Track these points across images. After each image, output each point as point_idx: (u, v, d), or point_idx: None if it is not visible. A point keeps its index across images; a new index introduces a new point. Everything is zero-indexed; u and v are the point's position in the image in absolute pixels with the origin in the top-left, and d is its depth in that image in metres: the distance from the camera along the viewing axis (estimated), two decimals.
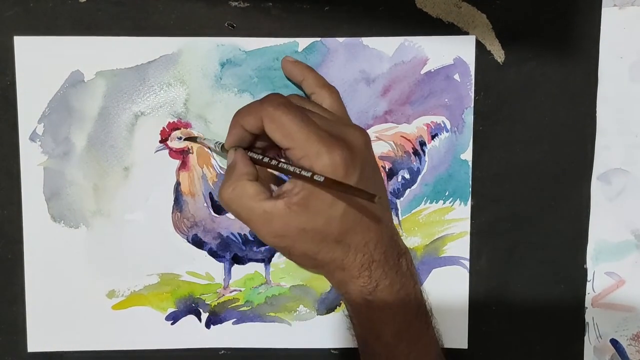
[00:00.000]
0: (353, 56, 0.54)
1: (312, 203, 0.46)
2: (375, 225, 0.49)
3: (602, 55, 0.55)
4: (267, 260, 0.56)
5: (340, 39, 0.54)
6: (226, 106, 0.54)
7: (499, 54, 0.55)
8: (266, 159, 0.48)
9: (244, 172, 0.48)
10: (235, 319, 0.56)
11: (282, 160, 0.48)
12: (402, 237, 0.56)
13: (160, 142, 0.54)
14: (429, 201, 0.56)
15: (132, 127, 0.54)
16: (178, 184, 0.55)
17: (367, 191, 0.42)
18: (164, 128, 0.54)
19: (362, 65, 0.54)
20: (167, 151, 0.54)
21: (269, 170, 0.51)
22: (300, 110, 0.47)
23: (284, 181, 0.53)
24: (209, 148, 0.54)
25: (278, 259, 0.56)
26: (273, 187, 0.53)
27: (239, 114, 0.49)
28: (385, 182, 0.56)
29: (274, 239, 0.48)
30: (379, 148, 0.55)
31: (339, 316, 0.57)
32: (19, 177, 0.54)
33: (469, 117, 0.55)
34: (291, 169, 0.46)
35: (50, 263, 0.55)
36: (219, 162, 0.55)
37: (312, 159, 0.45)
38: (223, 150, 0.51)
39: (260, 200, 0.47)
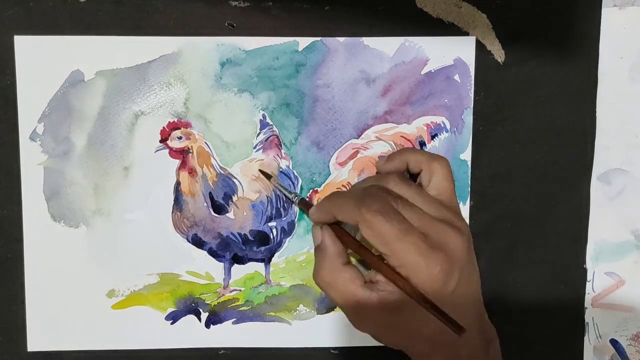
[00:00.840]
0: (353, 56, 0.54)
1: (407, 307, 0.45)
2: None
3: (602, 55, 0.55)
4: (267, 260, 0.56)
5: (341, 39, 0.54)
6: (226, 106, 0.54)
7: (499, 54, 0.55)
8: (358, 247, 0.47)
9: (336, 254, 0.47)
10: (235, 319, 0.56)
11: (377, 255, 0.46)
12: None
13: (161, 141, 0.54)
14: None
15: (132, 126, 0.54)
16: (178, 183, 0.55)
17: (457, 322, 0.42)
18: (164, 128, 0.54)
19: (363, 65, 0.54)
20: (167, 151, 0.54)
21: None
22: (399, 218, 0.44)
23: None
24: (285, 196, 0.55)
25: (278, 259, 0.56)
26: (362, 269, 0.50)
27: (332, 204, 0.47)
28: None
29: (362, 326, 0.47)
30: (379, 148, 0.55)
31: (339, 316, 0.57)
32: (19, 176, 0.54)
33: (468, 118, 0.55)
34: (388, 274, 0.45)
35: (50, 263, 0.55)
36: (219, 162, 0.55)
37: (409, 271, 0.44)
38: (300, 205, 0.52)
39: (356, 288, 0.46)
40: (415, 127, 0.55)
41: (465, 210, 0.56)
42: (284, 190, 0.54)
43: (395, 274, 0.44)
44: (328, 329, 0.57)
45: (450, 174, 0.49)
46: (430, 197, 0.47)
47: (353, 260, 0.49)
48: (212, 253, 0.55)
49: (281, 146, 0.55)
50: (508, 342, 0.56)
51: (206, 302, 0.56)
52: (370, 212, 0.44)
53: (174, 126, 0.54)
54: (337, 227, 0.48)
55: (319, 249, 0.48)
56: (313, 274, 0.48)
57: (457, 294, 0.45)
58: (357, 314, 0.47)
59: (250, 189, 0.55)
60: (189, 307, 0.56)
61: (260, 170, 0.55)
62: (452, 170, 0.49)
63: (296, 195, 0.53)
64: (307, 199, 0.55)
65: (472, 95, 0.55)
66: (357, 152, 0.55)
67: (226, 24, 0.54)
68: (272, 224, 0.55)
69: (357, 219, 0.45)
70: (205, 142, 0.54)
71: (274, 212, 0.55)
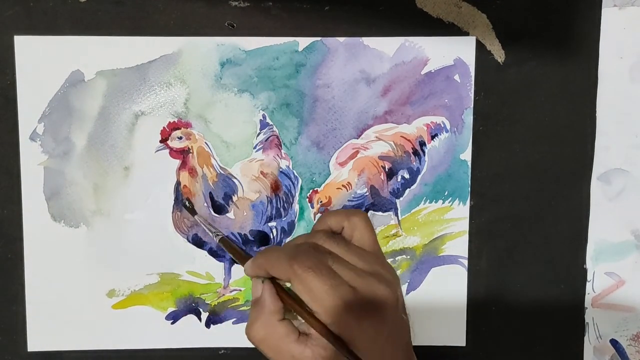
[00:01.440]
0: (353, 56, 0.54)
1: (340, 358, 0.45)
2: None
3: (602, 55, 0.55)
4: None
5: (341, 39, 0.54)
6: (226, 106, 0.54)
7: (499, 54, 0.55)
8: (293, 303, 0.47)
9: (273, 310, 0.47)
10: (235, 319, 0.56)
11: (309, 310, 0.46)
12: (401, 237, 0.56)
13: (161, 141, 0.54)
14: (428, 201, 0.56)
15: (133, 126, 0.54)
16: (178, 183, 0.55)
17: None
18: (164, 128, 0.54)
19: (363, 65, 0.54)
20: (167, 151, 0.54)
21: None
22: (331, 274, 0.45)
23: None
24: (227, 250, 0.53)
25: None
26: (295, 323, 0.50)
27: (265, 260, 0.47)
28: (385, 182, 0.56)
29: None
30: (379, 148, 0.55)
31: None
32: (19, 176, 0.54)
33: (468, 118, 0.55)
34: (320, 330, 0.45)
35: (50, 262, 0.55)
36: (219, 162, 0.55)
37: (341, 328, 0.44)
38: (220, 242, 0.52)
39: (289, 343, 0.46)
40: (415, 127, 0.55)
41: (465, 210, 0.56)
42: (207, 227, 0.54)
43: (327, 331, 0.44)
44: None
45: (370, 224, 0.49)
46: (357, 250, 0.48)
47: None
48: (212, 253, 0.55)
49: (281, 146, 0.55)
50: (508, 342, 0.57)
51: (206, 302, 0.56)
52: (302, 267, 0.44)
53: (174, 126, 0.54)
54: (275, 281, 0.48)
55: (256, 303, 0.48)
56: (246, 328, 0.48)
57: (388, 340, 0.45)
58: None
59: (250, 189, 0.55)
60: (189, 307, 0.56)
61: (184, 205, 0.55)
62: (371, 223, 0.49)
63: (217, 235, 0.52)
64: (308, 199, 0.55)
65: (472, 95, 0.55)
66: (357, 152, 0.55)
67: (226, 24, 0.54)
68: (272, 224, 0.55)
69: (289, 275, 0.45)
70: (205, 142, 0.54)
71: (274, 212, 0.55)
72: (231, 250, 0.51)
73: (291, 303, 0.47)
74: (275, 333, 0.47)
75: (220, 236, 0.52)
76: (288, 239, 0.56)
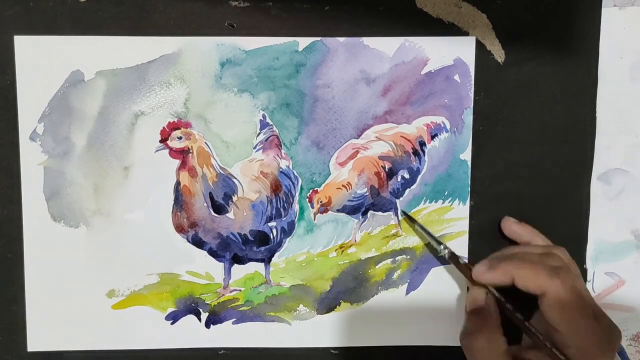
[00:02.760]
0: (353, 56, 0.54)
1: None
2: None
3: (602, 55, 0.55)
4: (267, 260, 0.56)
5: (341, 39, 0.54)
6: (226, 106, 0.54)
7: (499, 54, 0.55)
8: (521, 320, 0.49)
9: (497, 324, 0.49)
10: (235, 319, 0.56)
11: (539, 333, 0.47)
12: (401, 237, 0.56)
13: (161, 141, 0.54)
14: (428, 201, 0.56)
15: (132, 126, 0.54)
16: (178, 183, 0.55)
17: None
18: (164, 128, 0.54)
19: (363, 65, 0.54)
20: (167, 151, 0.54)
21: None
22: (587, 298, 0.46)
23: None
24: (431, 242, 0.55)
25: (278, 259, 0.56)
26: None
27: (517, 267, 0.48)
28: (385, 182, 0.56)
29: None
30: (379, 148, 0.55)
31: (339, 316, 0.57)
32: (19, 176, 0.54)
33: (468, 118, 0.55)
34: (558, 355, 0.46)
35: (50, 262, 0.55)
36: (219, 162, 0.55)
37: (580, 354, 0.45)
38: (450, 259, 0.53)
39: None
40: (415, 127, 0.55)
41: (465, 210, 0.56)
42: (439, 250, 0.54)
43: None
44: (328, 329, 0.57)
45: (570, 259, 0.52)
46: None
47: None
48: (212, 253, 0.55)
49: (281, 146, 0.55)
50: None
51: (206, 302, 0.56)
52: (565, 285, 0.45)
53: (174, 126, 0.54)
54: (499, 300, 0.50)
55: (479, 312, 0.50)
56: (466, 335, 0.50)
57: None
58: None
59: (250, 189, 0.55)
60: (189, 307, 0.56)
61: (407, 215, 0.56)
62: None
63: (446, 250, 0.54)
64: (308, 199, 0.55)
65: (472, 95, 0.55)
66: (357, 152, 0.55)
67: (226, 24, 0.54)
68: (272, 224, 0.55)
69: (546, 289, 0.46)
70: (205, 142, 0.54)
71: (273, 212, 0.55)
72: (459, 266, 0.53)
73: (521, 322, 0.48)
74: (496, 347, 0.48)
75: (451, 253, 0.54)
76: (288, 239, 0.56)
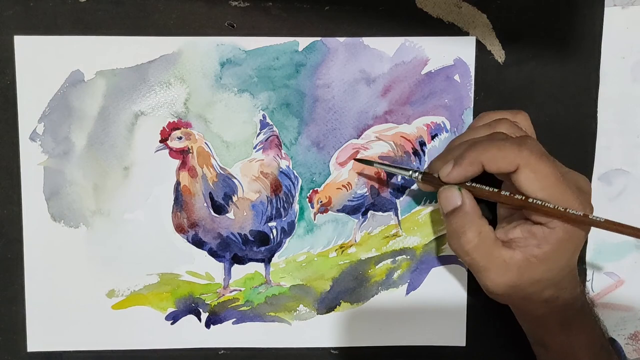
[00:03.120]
0: (353, 56, 0.54)
1: (553, 256, 0.46)
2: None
3: (604, 55, 0.55)
4: (267, 260, 0.56)
5: (341, 39, 0.54)
6: (226, 106, 0.54)
7: (499, 54, 0.55)
8: (503, 193, 0.47)
9: (480, 216, 0.47)
10: (235, 319, 0.56)
11: (533, 199, 0.46)
12: (401, 237, 0.56)
13: (161, 141, 0.54)
14: (428, 201, 0.56)
15: (132, 126, 0.54)
16: (178, 183, 0.55)
17: None
18: (164, 128, 0.54)
19: (363, 65, 0.54)
20: (167, 151, 0.54)
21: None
22: (556, 162, 0.46)
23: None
24: (397, 174, 0.53)
25: (278, 259, 0.56)
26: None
27: (483, 152, 0.46)
28: (385, 182, 0.56)
29: (505, 289, 0.48)
30: (379, 148, 0.55)
31: (339, 316, 0.57)
32: (19, 176, 0.54)
33: (468, 118, 0.55)
34: (558, 208, 0.45)
35: (50, 263, 0.55)
36: (219, 162, 0.55)
37: (567, 215, 0.45)
38: (424, 180, 0.50)
39: (500, 248, 0.47)
40: (415, 127, 0.55)
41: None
42: (399, 172, 0.52)
43: (557, 210, 0.45)
44: (328, 329, 0.57)
45: (531, 125, 0.52)
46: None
47: None
48: (212, 253, 0.55)
49: (281, 146, 0.55)
50: (508, 342, 0.57)
51: (206, 302, 0.56)
52: (535, 154, 0.44)
53: (174, 126, 0.54)
54: (469, 185, 0.48)
55: (459, 213, 0.47)
56: (454, 239, 0.48)
57: (584, 231, 0.47)
58: (503, 272, 0.47)
59: (250, 189, 0.55)
60: (189, 307, 0.56)
61: (358, 159, 0.54)
62: None
63: (416, 171, 0.50)
64: (308, 199, 0.55)
65: (472, 95, 0.55)
66: (357, 152, 0.55)
67: (226, 24, 0.54)
68: (272, 224, 0.55)
69: (518, 162, 0.45)
70: (205, 142, 0.54)
71: (274, 212, 0.55)
72: (432, 180, 0.50)
73: (499, 195, 0.47)
74: (487, 238, 0.47)
75: (421, 173, 0.50)
76: (288, 239, 0.56)
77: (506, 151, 0.45)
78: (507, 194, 0.47)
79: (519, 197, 0.46)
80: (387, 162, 0.53)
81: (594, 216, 0.45)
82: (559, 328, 0.50)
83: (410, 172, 0.50)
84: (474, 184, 0.48)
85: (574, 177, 0.48)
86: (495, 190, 0.47)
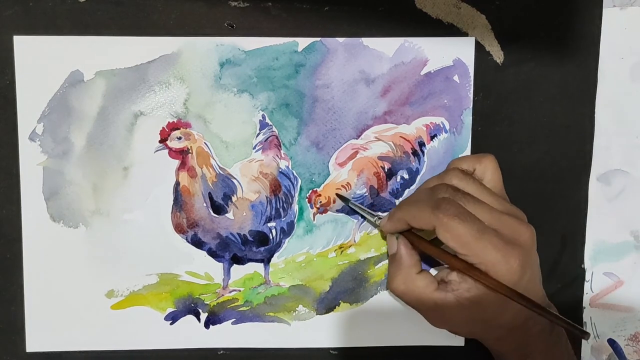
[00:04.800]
0: (353, 56, 0.54)
1: (484, 300, 0.48)
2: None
3: (603, 55, 0.55)
4: (266, 261, 0.56)
5: (340, 39, 0.54)
6: (226, 106, 0.54)
7: (498, 55, 0.55)
8: (437, 251, 0.50)
9: (410, 264, 0.51)
10: (234, 319, 0.56)
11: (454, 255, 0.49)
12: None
13: (160, 142, 0.54)
14: None
15: (132, 126, 0.54)
16: (177, 183, 0.55)
17: (580, 328, 0.47)
18: (163, 128, 0.54)
19: (362, 66, 0.54)
20: (166, 151, 0.54)
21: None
22: (474, 218, 0.47)
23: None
24: (367, 220, 0.56)
25: (277, 259, 0.56)
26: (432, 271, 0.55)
27: (405, 212, 0.50)
28: (385, 182, 0.56)
29: (440, 325, 0.52)
30: (379, 148, 0.55)
31: (338, 316, 0.57)
32: (18, 176, 0.54)
33: (467, 118, 0.55)
34: (473, 274, 0.48)
35: (49, 263, 0.55)
36: (219, 163, 0.55)
37: (489, 267, 0.47)
38: (377, 225, 0.54)
39: (431, 293, 0.50)
40: (415, 128, 0.55)
41: None
42: (368, 217, 0.54)
43: (481, 272, 0.47)
44: (327, 330, 0.57)
45: (498, 167, 0.52)
46: (490, 190, 0.51)
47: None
48: (212, 253, 0.55)
49: (280, 146, 0.55)
50: None
51: (205, 302, 0.56)
52: (447, 216, 0.46)
53: (173, 126, 0.54)
54: (410, 233, 0.51)
55: (394, 259, 0.52)
56: (388, 282, 0.53)
57: (530, 284, 0.48)
58: (435, 314, 0.51)
59: (250, 190, 0.55)
60: (188, 307, 0.56)
61: (337, 195, 0.55)
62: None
63: (377, 219, 0.54)
64: (307, 200, 0.55)
65: (471, 95, 0.55)
66: (357, 152, 0.55)
67: (226, 24, 0.54)
68: (272, 224, 0.55)
69: (434, 224, 0.47)
70: (204, 143, 0.54)
71: (273, 212, 0.55)
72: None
73: (436, 251, 0.49)
74: (415, 286, 0.50)
75: (379, 218, 0.53)
76: (287, 240, 0.56)
77: (423, 213, 0.48)
78: (438, 248, 0.50)
79: (446, 253, 0.49)
80: (359, 205, 0.55)
81: (509, 288, 0.47)
82: None
83: (375, 218, 0.53)
84: (414, 234, 0.51)
85: (508, 225, 0.48)
86: (429, 244, 0.50)
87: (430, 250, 0.50)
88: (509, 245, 0.47)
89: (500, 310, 0.49)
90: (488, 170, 0.52)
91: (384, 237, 0.56)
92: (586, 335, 0.47)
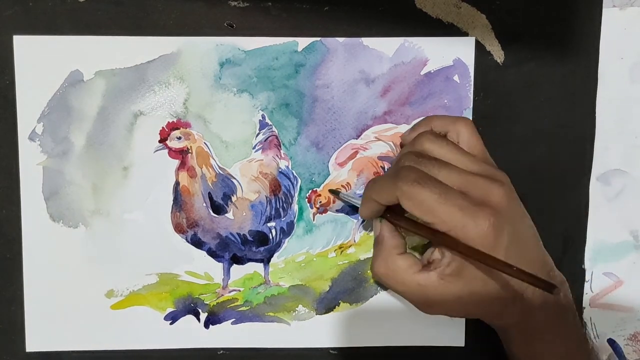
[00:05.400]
0: (353, 56, 0.54)
1: (466, 272, 0.46)
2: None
3: (603, 56, 0.55)
4: (266, 260, 0.56)
5: (340, 39, 0.54)
6: (225, 106, 0.54)
7: (498, 55, 0.55)
8: (409, 224, 0.48)
9: (392, 245, 0.49)
10: (234, 319, 0.56)
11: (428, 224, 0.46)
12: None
13: (160, 141, 0.54)
14: None
15: (132, 126, 0.54)
16: (177, 183, 0.55)
17: (543, 280, 0.42)
18: (163, 128, 0.54)
19: (362, 66, 0.54)
20: (166, 151, 0.54)
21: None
22: (436, 182, 0.45)
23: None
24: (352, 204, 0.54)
25: (277, 259, 0.56)
26: (417, 255, 0.53)
27: (371, 189, 0.49)
28: None
29: (430, 309, 0.49)
30: (378, 148, 0.55)
31: (338, 316, 0.57)
32: (18, 176, 0.54)
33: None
34: (443, 241, 0.46)
35: (49, 263, 0.55)
36: (218, 163, 0.54)
37: (459, 232, 0.44)
38: (360, 213, 0.53)
39: (413, 274, 0.48)
40: None
41: None
42: (355, 202, 0.53)
43: (450, 238, 0.45)
44: (327, 330, 0.57)
45: (476, 131, 0.50)
46: (465, 151, 0.48)
47: (409, 249, 0.52)
48: (211, 253, 0.55)
49: (280, 146, 0.55)
50: None
51: (205, 302, 0.56)
52: (407, 183, 0.44)
53: (173, 126, 0.54)
54: (391, 214, 0.50)
55: (376, 242, 0.51)
56: (370, 267, 0.52)
57: (513, 248, 0.45)
58: (421, 297, 0.48)
59: (250, 190, 0.55)
60: (188, 307, 0.56)
61: (329, 190, 0.55)
62: (476, 129, 0.50)
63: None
64: (307, 200, 0.55)
65: (471, 95, 0.55)
66: (357, 152, 0.55)
67: (225, 24, 0.54)
68: (272, 224, 0.55)
69: (396, 194, 0.45)
70: (204, 142, 0.54)
71: (273, 212, 0.55)
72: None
73: (408, 223, 0.48)
74: (397, 267, 0.49)
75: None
76: (287, 239, 0.56)
77: (384, 185, 0.47)
78: (412, 222, 0.48)
79: (419, 224, 0.47)
80: (349, 195, 0.55)
81: (481, 251, 0.44)
82: (522, 339, 0.50)
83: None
84: (391, 215, 0.50)
85: (478, 186, 0.46)
86: (404, 218, 0.49)
87: (407, 225, 0.48)
88: (477, 206, 0.44)
89: (484, 281, 0.46)
90: (462, 133, 0.49)
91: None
92: (554, 289, 0.41)
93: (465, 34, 0.54)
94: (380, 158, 0.55)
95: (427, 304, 0.49)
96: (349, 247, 0.56)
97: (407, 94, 0.55)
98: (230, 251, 0.55)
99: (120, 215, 0.55)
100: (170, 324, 0.56)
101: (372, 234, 0.56)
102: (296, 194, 0.55)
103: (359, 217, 0.56)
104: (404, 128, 0.55)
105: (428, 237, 0.48)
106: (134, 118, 0.54)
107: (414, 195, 0.44)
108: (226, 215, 0.55)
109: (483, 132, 0.55)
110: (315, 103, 0.55)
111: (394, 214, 0.50)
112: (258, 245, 0.55)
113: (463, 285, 0.47)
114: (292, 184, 0.55)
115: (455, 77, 0.55)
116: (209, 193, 0.55)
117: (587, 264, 0.57)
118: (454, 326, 0.57)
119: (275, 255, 0.56)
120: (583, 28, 0.55)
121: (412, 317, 0.56)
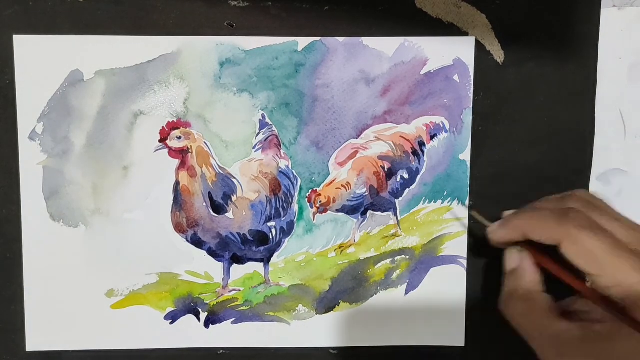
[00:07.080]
0: (353, 56, 0.54)
1: (620, 337, 0.41)
2: None
3: (602, 55, 0.55)
4: (266, 260, 0.56)
5: (340, 39, 0.54)
6: (226, 105, 0.54)
7: (498, 55, 0.55)
8: (559, 268, 0.44)
9: (534, 280, 0.45)
10: (234, 319, 0.56)
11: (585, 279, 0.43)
12: (400, 237, 0.56)
13: (160, 141, 0.54)
14: (427, 201, 0.56)
15: (132, 126, 0.54)
16: (177, 183, 0.55)
17: None
18: (163, 127, 0.54)
19: (362, 65, 0.54)
20: (166, 150, 0.54)
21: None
22: (607, 232, 0.41)
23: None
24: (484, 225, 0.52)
25: (277, 259, 0.56)
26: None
27: (526, 220, 0.45)
28: (384, 182, 0.56)
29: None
30: (378, 148, 0.55)
31: (338, 316, 0.57)
32: (18, 176, 0.54)
33: (467, 118, 0.55)
34: (596, 299, 0.42)
35: (49, 262, 0.55)
36: (218, 162, 0.55)
37: (625, 291, 0.40)
38: (490, 232, 0.49)
39: (554, 318, 0.43)
40: (415, 127, 0.55)
41: (464, 210, 0.56)
42: (484, 223, 0.52)
43: (610, 301, 0.41)
44: (327, 329, 0.57)
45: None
46: (624, 216, 0.45)
47: None
48: (212, 253, 0.55)
49: (280, 146, 0.55)
50: (508, 342, 0.56)
51: (205, 301, 0.56)
52: (576, 227, 0.41)
53: (173, 126, 0.54)
54: (531, 247, 0.46)
55: (513, 275, 0.46)
56: (503, 302, 0.46)
57: None
58: (552, 347, 0.44)
59: (250, 189, 0.55)
60: (188, 306, 0.56)
61: (470, 214, 0.53)
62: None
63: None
64: (307, 199, 0.55)
65: (471, 95, 0.55)
66: (357, 152, 0.55)
67: (225, 24, 0.54)
68: (272, 224, 0.55)
69: (560, 236, 0.42)
70: (204, 142, 0.54)
71: (273, 212, 0.55)
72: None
73: (558, 268, 0.44)
74: (537, 307, 0.44)
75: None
76: (287, 239, 0.56)
77: (547, 223, 0.43)
78: (564, 268, 0.44)
79: (579, 280, 0.44)
80: (480, 215, 0.52)
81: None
82: None
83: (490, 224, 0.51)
84: (535, 249, 0.46)
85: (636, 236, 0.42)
86: (554, 262, 0.45)
87: (554, 269, 0.44)
88: None
89: (636, 350, 0.41)
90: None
91: (494, 246, 0.50)
92: None
93: (465, 34, 0.54)
94: (380, 158, 0.55)
95: (554, 354, 0.44)
96: (349, 246, 0.56)
97: (407, 94, 0.55)
98: (230, 251, 0.55)
99: (121, 214, 0.55)
100: (171, 323, 0.56)
101: (372, 233, 0.56)
102: (296, 194, 0.55)
103: (359, 217, 0.56)
104: (404, 128, 0.55)
105: (579, 288, 0.43)
106: (134, 118, 0.54)
107: (582, 242, 0.41)
108: (226, 214, 0.55)
109: (483, 132, 0.55)
110: (315, 103, 0.55)
111: (534, 249, 0.46)
112: (258, 245, 0.55)
113: (606, 347, 0.41)
114: (292, 183, 0.55)
115: (455, 77, 0.55)
116: (209, 193, 0.55)
117: None
118: (454, 326, 0.57)
119: (275, 254, 0.56)
120: (582, 28, 0.55)
121: (412, 317, 0.56)
